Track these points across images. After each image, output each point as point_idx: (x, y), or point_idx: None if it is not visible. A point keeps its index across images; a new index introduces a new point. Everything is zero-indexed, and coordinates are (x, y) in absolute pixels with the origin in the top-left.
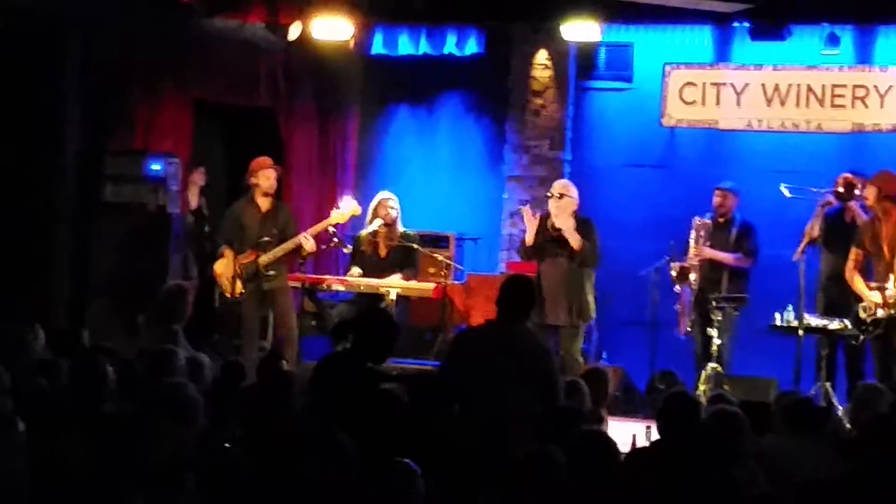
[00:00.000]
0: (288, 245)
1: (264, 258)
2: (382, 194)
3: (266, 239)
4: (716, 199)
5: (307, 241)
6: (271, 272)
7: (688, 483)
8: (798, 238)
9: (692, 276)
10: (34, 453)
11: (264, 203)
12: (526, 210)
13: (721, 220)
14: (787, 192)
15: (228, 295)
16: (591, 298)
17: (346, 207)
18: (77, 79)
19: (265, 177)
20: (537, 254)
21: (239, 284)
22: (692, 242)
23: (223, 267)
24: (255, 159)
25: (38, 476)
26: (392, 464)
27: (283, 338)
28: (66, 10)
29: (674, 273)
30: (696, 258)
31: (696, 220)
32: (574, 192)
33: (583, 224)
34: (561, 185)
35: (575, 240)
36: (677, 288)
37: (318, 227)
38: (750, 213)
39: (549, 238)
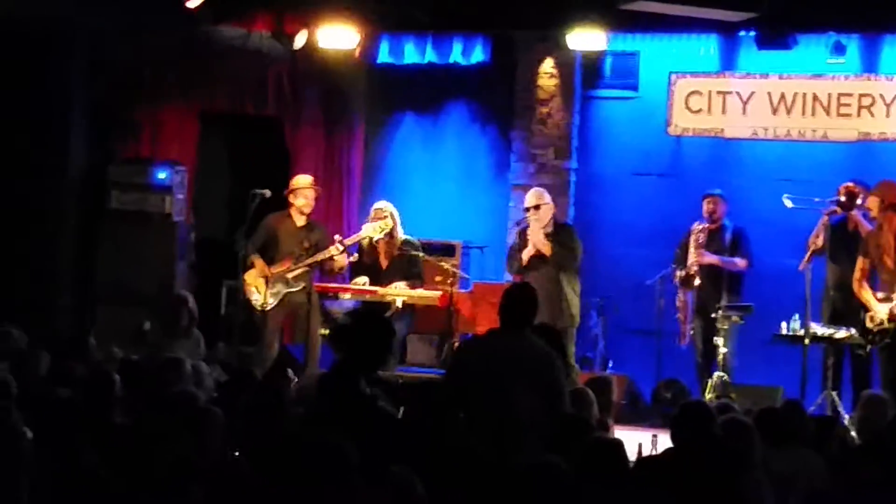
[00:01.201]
0: (318, 256)
1: (293, 269)
2: (377, 204)
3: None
4: (707, 207)
5: (337, 251)
6: (300, 284)
7: (698, 492)
8: (803, 247)
9: (697, 282)
10: (44, 462)
11: (300, 220)
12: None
13: (713, 226)
14: (789, 203)
15: (259, 306)
16: (571, 302)
17: (379, 220)
18: (84, 87)
19: (304, 196)
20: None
21: (269, 294)
22: (692, 248)
23: (253, 277)
24: (296, 177)
25: (48, 485)
26: (391, 471)
27: (303, 346)
28: (73, 19)
29: (678, 279)
30: (697, 264)
31: (696, 226)
32: (548, 197)
33: (561, 229)
34: (535, 194)
35: (545, 247)
36: (681, 296)
37: (352, 240)
38: (755, 221)
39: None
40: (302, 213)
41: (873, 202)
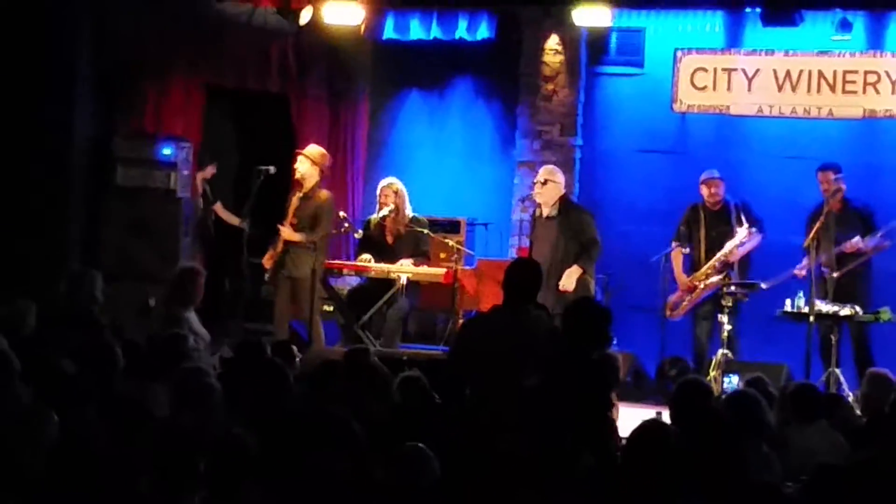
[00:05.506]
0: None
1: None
2: (384, 181)
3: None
4: (706, 191)
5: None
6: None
7: (699, 467)
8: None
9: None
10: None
11: (300, 192)
12: None
13: (716, 207)
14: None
15: (269, 280)
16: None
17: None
18: (89, 62)
19: (296, 165)
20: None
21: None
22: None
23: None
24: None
25: (50, 455)
26: (405, 448)
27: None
28: None
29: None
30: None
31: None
32: (560, 177)
33: (574, 211)
34: (547, 170)
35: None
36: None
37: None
38: (760, 198)
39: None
40: (300, 182)
41: None
